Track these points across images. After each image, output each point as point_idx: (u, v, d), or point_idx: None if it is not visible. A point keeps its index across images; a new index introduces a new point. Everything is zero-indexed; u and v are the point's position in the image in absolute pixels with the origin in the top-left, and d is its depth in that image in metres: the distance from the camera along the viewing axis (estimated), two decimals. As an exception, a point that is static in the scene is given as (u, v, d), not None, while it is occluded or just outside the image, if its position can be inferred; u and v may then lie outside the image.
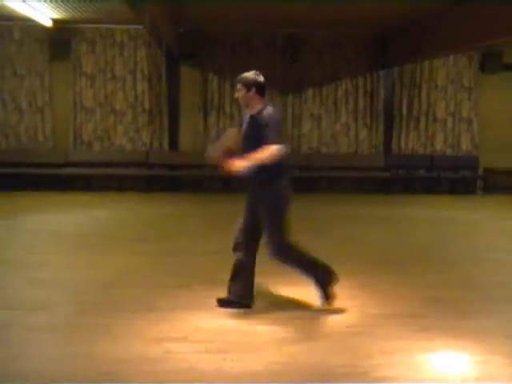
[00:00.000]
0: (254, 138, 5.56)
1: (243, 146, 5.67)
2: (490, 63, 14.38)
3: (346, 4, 10.62)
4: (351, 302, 5.92)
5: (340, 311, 5.67)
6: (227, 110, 13.97)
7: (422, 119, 14.53)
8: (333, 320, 5.44)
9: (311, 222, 10.38)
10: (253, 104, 5.66)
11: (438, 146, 14.66)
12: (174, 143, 14.09)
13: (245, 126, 5.75)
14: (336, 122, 14.39)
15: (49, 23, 12.45)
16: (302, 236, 9.05)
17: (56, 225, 9.84)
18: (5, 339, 4.91)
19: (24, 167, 13.54)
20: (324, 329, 5.22)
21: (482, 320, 5.48)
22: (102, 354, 4.60)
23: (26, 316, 5.47)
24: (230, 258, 7.64)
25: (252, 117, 5.67)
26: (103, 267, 7.19)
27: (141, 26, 12.40)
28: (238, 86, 5.68)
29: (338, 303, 5.90)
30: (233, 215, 10.95)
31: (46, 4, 10.96)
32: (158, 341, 4.82)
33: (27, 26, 13.16)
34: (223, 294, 5.93)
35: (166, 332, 5.03)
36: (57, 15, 12.17)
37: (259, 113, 5.61)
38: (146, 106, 13.96)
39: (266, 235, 5.69)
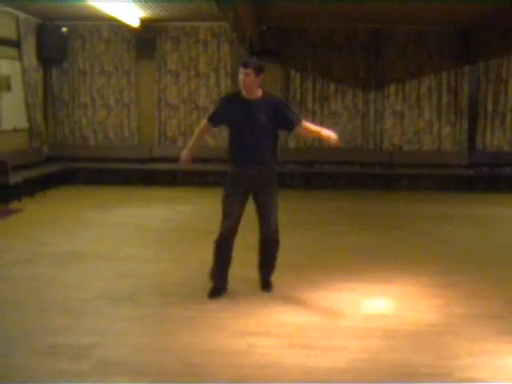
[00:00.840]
0: (273, 122, 5.85)
1: (257, 133, 5.83)
2: None
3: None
4: (434, 301, 5.89)
5: (423, 310, 5.64)
6: (309, 106, 13.96)
7: (508, 115, 14.14)
8: (415, 318, 5.41)
9: (394, 220, 10.31)
10: (257, 89, 5.85)
11: (525, 143, 14.24)
12: (256, 140, 14.17)
13: (251, 111, 5.83)
14: (419, 119, 14.18)
15: (136, 22, 12.76)
16: (384, 234, 9.06)
17: (141, 219, 10.09)
18: (93, 328, 5.12)
19: (110, 162, 13.95)
20: (407, 327, 5.20)
21: None
22: (187, 346, 4.73)
23: (114, 306, 5.68)
24: (313, 255, 7.74)
25: (261, 101, 5.86)
26: (187, 261, 7.36)
27: (224, 23, 12.55)
28: (248, 69, 5.77)
29: (420, 302, 5.88)
30: (315, 212, 11.10)
31: (135, 4, 11.23)
32: (241, 334, 4.92)
33: (115, 25, 13.51)
34: (307, 289, 6.03)
35: (250, 326, 5.13)
36: (144, 14, 12.46)
37: (267, 96, 5.92)
38: (229, 102, 14.10)
39: None
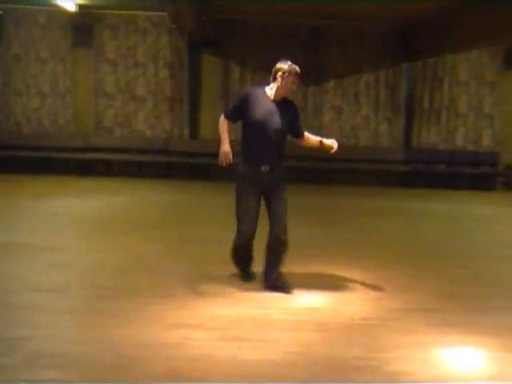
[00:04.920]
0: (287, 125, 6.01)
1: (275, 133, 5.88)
2: (513, 58, 14.23)
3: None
4: (368, 295, 5.94)
5: (355, 303, 5.68)
6: (248, 98, 13.92)
7: (443, 114, 14.42)
8: (349, 312, 5.44)
9: (330, 214, 10.39)
10: None
11: (459, 141, 14.54)
12: (194, 131, 14.09)
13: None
14: (356, 114, 14.32)
15: (73, 8, 12.50)
16: (320, 228, 9.12)
17: (75, 209, 9.92)
18: (24, 320, 4.98)
19: (45, 151, 13.63)
20: (339, 320, 5.22)
21: (500, 316, 5.46)
22: (120, 338, 4.65)
23: (46, 298, 5.54)
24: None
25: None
26: (121, 252, 7.24)
27: (164, 13, 12.42)
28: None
29: (354, 295, 5.93)
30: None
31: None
32: (175, 327, 4.87)
33: (52, 10, 13.22)
34: (240, 283, 6.02)
35: (183, 319, 5.07)
36: (81, 0, 12.20)
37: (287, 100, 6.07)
38: (167, 93, 13.98)
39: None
